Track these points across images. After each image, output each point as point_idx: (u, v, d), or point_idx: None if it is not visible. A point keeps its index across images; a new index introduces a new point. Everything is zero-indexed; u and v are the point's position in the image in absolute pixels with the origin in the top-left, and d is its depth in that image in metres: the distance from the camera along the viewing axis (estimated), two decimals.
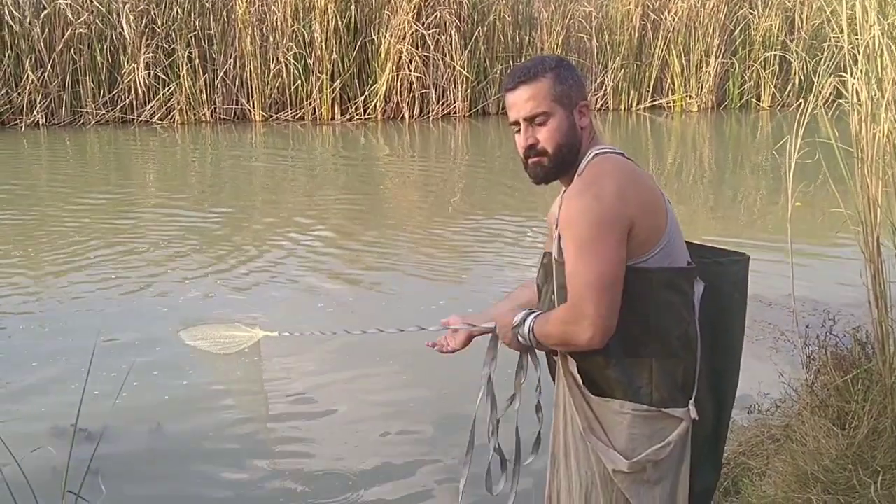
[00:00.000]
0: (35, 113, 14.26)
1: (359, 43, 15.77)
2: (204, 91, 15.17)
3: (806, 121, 3.31)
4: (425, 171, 12.65)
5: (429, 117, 16.31)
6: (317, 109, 15.80)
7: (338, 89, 15.77)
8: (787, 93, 18.36)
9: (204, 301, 6.46)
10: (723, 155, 14.32)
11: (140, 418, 4.39)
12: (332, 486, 3.81)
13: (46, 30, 14.26)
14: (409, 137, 15.30)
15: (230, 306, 6.31)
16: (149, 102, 14.94)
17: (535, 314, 2.12)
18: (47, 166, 12.36)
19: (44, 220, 8.93)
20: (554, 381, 2.26)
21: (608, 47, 17.50)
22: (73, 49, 14.43)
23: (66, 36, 14.29)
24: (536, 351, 2.28)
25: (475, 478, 2.44)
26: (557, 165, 2.09)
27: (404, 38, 15.64)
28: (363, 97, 15.97)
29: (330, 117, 15.87)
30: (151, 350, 5.34)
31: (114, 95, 14.90)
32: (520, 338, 2.15)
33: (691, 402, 2.09)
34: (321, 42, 15.37)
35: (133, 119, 14.91)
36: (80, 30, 14.35)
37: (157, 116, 14.99)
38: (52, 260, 7.43)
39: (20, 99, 14.22)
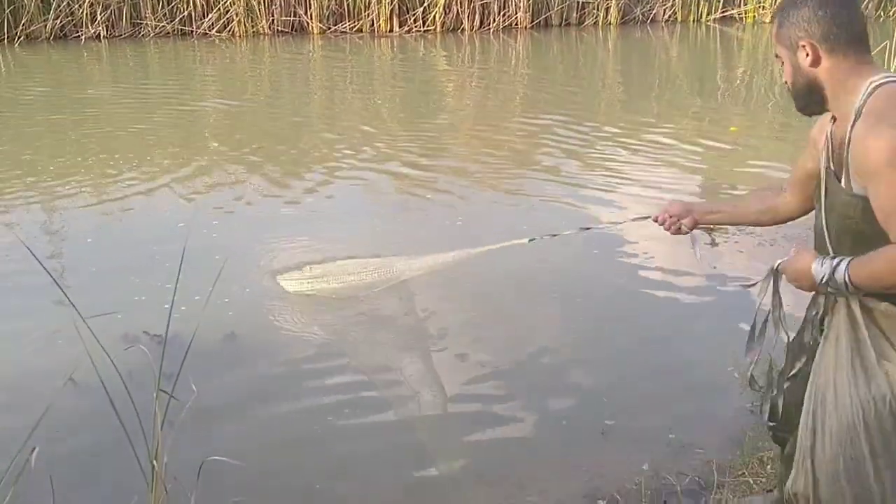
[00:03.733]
0: (95, 25, 14.27)
1: None
2: (262, 2, 14.98)
3: None
4: (484, 81, 12.41)
5: (489, 29, 15.90)
6: (375, 21, 15.50)
7: (396, 0, 15.43)
8: (865, 4, 17.41)
9: (274, 209, 6.51)
10: None
11: (213, 327, 4.44)
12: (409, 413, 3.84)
13: None
14: (469, 49, 14.98)
15: (301, 213, 6.36)
16: (207, 14, 14.83)
17: (848, 260, 1.97)
18: (110, 77, 12.44)
19: (110, 131, 9.01)
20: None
21: None
22: None
23: None
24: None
25: None
26: (799, 103, 2.11)
27: None
28: (422, 8, 15.59)
29: (388, 29, 15.57)
30: (217, 259, 5.38)
31: (172, 7, 14.80)
32: (830, 288, 2.01)
33: None
34: None
35: (192, 31, 14.84)
36: None
37: (215, 29, 14.89)
38: (120, 169, 7.51)
39: (81, 11, 14.22)
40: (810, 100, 2.05)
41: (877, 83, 1.94)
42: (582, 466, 3.35)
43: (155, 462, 2.07)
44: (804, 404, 2.17)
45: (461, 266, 4.77)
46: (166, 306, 2.50)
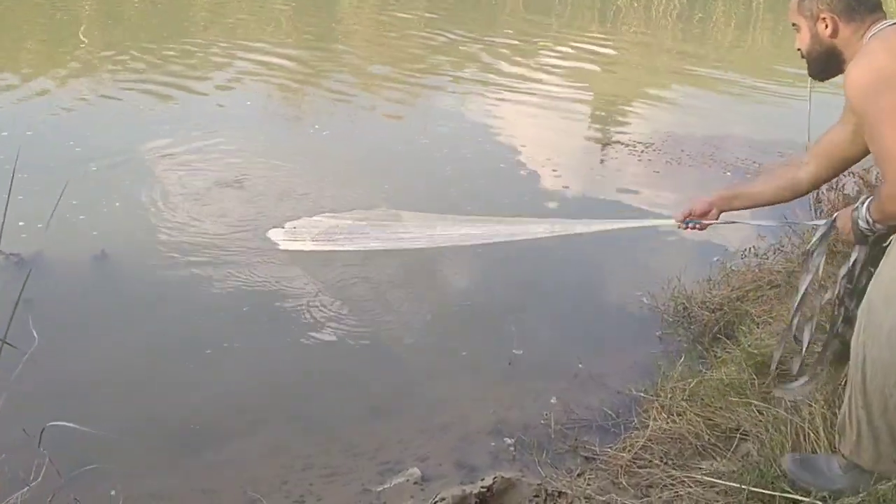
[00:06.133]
0: None
1: None
2: None
3: None
4: None
5: None
6: None
7: None
8: None
9: (151, 114, 5.98)
10: None
11: (80, 246, 3.97)
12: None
13: None
14: None
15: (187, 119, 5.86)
16: None
17: (870, 198, 2.13)
18: None
19: None
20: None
21: None
22: None
23: None
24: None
25: None
26: (814, 69, 2.21)
27: None
28: None
29: None
30: (96, 168, 4.87)
31: None
32: (860, 223, 2.13)
33: None
34: None
35: None
36: None
37: None
38: None
39: None
40: (826, 66, 2.17)
41: (874, 32, 2.06)
42: (488, 400, 3.15)
43: None
44: (854, 334, 2.14)
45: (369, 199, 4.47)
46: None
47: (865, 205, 2.11)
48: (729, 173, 5.41)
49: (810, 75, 2.25)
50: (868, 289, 2.12)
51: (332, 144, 5.64)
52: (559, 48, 8.96)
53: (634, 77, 8.33)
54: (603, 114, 6.94)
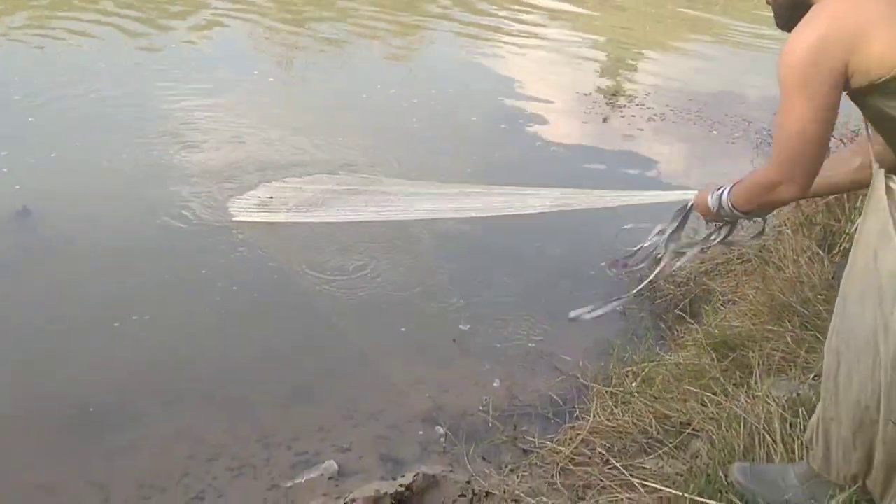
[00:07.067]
0: None
1: None
2: None
3: None
4: None
5: None
6: None
7: None
8: None
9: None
10: None
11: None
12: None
13: None
14: None
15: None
16: None
17: (731, 186, 1.93)
18: None
19: None
20: None
21: None
22: None
23: None
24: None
25: None
26: (782, 20, 1.85)
27: None
28: None
29: None
30: (34, 120, 4.56)
31: None
32: (725, 216, 1.96)
33: None
34: None
35: None
36: None
37: None
38: None
39: None
40: (792, 14, 1.78)
41: None
42: (425, 382, 2.87)
43: None
44: (827, 340, 1.86)
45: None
46: None
47: (728, 190, 1.90)
48: (715, 132, 5.06)
49: (778, 26, 1.88)
50: (841, 286, 1.79)
51: (306, 94, 5.32)
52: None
53: (637, 24, 7.93)
54: (594, 65, 6.58)
